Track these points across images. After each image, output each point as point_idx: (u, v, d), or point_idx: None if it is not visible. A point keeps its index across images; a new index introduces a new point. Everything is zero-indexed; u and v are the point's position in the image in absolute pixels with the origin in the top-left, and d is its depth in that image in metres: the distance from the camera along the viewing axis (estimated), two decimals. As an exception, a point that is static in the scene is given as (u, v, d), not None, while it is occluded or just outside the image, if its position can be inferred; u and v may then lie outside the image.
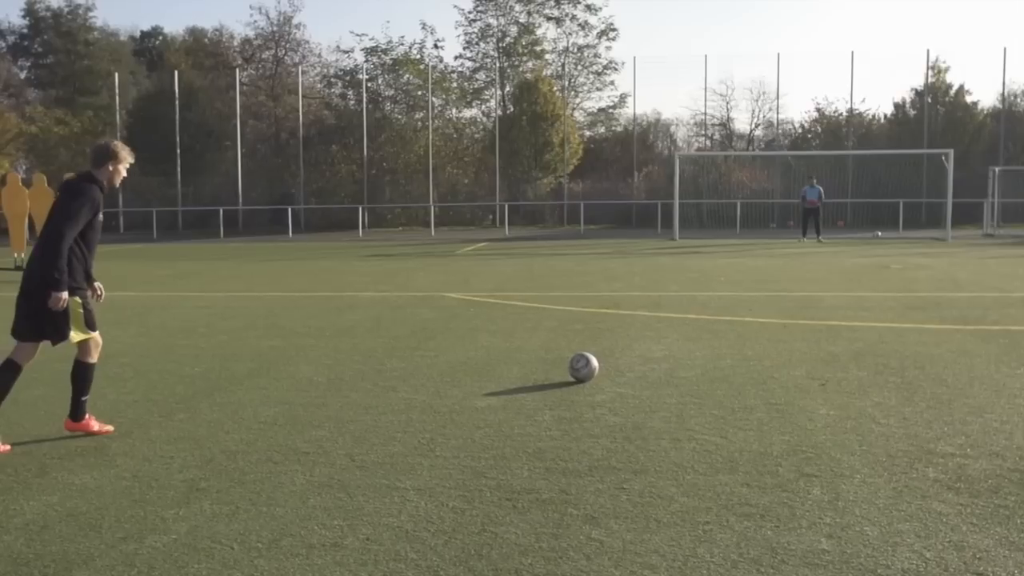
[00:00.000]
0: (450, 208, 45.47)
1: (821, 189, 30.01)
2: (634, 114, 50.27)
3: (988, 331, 9.90)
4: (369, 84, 47.61)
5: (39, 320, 5.73)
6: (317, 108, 50.05)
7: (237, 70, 47.47)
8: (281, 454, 5.48)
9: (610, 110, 52.87)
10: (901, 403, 6.55)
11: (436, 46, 51.65)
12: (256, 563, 3.88)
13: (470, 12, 51.53)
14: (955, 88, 44.45)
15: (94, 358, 6.09)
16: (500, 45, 51.35)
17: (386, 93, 49.25)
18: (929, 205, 38.92)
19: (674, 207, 33.02)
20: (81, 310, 5.85)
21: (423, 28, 65.42)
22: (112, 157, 5.97)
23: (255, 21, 67.29)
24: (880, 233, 32.59)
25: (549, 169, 45.77)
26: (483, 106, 51.65)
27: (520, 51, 51.43)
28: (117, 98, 46.76)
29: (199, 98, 46.20)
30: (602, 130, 53.56)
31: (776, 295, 13.69)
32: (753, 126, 53.09)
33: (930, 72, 44.24)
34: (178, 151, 44.46)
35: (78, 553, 4.02)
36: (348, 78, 49.17)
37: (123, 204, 44.44)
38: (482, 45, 51.72)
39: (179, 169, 44.63)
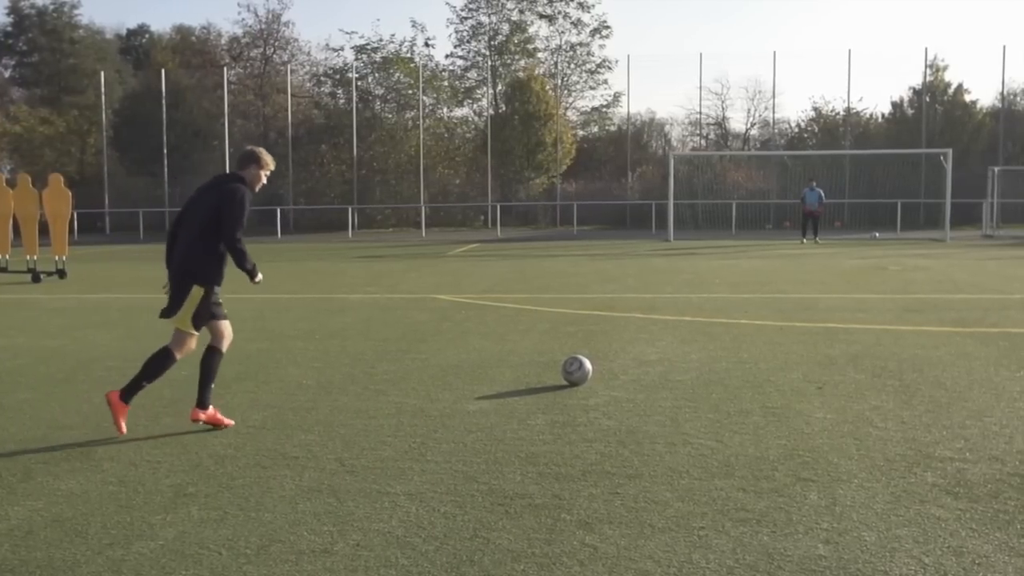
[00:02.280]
0: (441, 209, 45.43)
1: (821, 192, 30.00)
2: (628, 113, 50.34)
3: (987, 333, 9.87)
4: (359, 83, 47.54)
5: (174, 299, 6.05)
6: (306, 107, 49.98)
7: (225, 69, 47.38)
8: (270, 459, 5.42)
9: (603, 109, 52.92)
10: (899, 407, 6.51)
11: (427, 44, 51.50)
12: (245, 569, 3.83)
13: (461, 10, 51.58)
14: (954, 87, 44.58)
15: (224, 346, 6.27)
16: (492, 43, 51.34)
17: (376, 92, 49.21)
18: (927, 205, 38.99)
19: (668, 208, 33.02)
20: (199, 300, 6.03)
21: (414, 26, 65.37)
22: (256, 161, 6.27)
23: (243, 19, 67.23)
24: (878, 234, 32.63)
25: (542, 169, 45.77)
26: (475, 105, 51.69)
27: (512, 49, 51.41)
28: (103, 97, 46.57)
29: (186, 97, 46.09)
30: (595, 129, 53.60)
31: (772, 297, 13.67)
32: (749, 125, 53.26)
33: (928, 71, 44.36)
34: (165, 151, 44.33)
35: (63, 559, 3.96)
36: (338, 77, 49.11)
37: (109, 205, 44.30)
38: (473, 43, 51.76)
39: (166, 169, 44.49)
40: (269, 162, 6.38)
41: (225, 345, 6.29)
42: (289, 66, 49.05)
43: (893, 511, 4.39)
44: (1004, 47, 43.34)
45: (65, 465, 5.34)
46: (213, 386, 6.23)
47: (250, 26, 51.36)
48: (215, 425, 6.17)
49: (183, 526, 4.33)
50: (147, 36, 62.39)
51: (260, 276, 6.30)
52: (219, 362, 6.25)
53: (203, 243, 6.06)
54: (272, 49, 51.41)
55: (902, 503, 4.50)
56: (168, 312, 6.11)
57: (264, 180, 6.41)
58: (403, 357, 8.77)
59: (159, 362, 6.15)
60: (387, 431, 6.00)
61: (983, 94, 58.88)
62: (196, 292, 6.03)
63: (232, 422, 6.26)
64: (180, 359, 6.22)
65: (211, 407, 6.19)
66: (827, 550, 3.94)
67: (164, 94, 44.53)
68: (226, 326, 6.30)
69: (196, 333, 6.14)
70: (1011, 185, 36.62)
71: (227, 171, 6.36)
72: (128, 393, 6.08)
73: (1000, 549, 3.93)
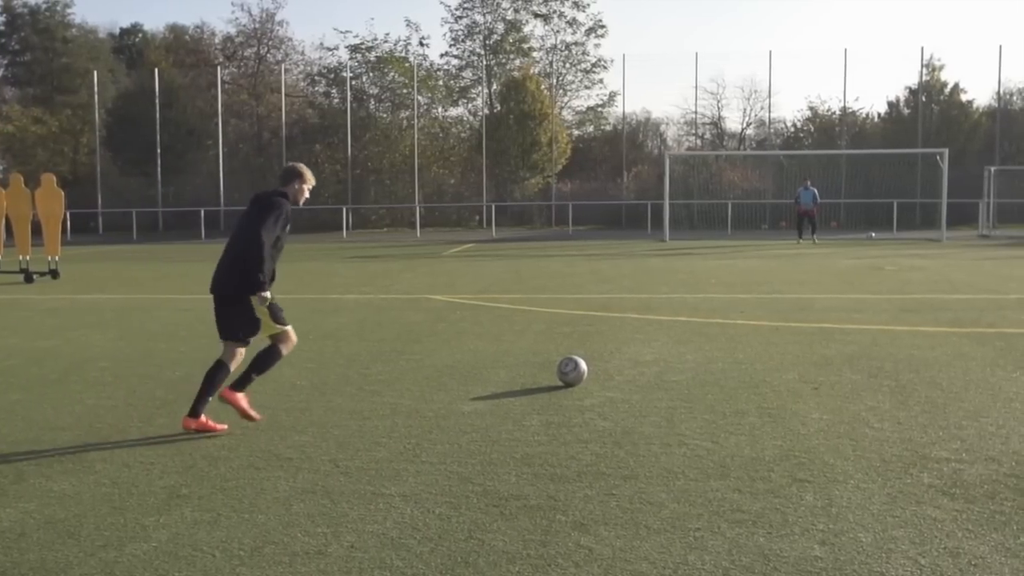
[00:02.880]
0: (436, 209, 45.40)
1: (816, 191, 29.94)
2: (623, 113, 50.40)
3: (983, 334, 9.87)
4: (353, 82, 47.47)
5: (234, 322, 6.22)
6: (300, 107, 49.92)
7: (218, 68, 47.33)
8: (264, 460, 5.40)
9: (599, 109, 52.89)
10: (895, 407, 6.50)
11: (421, 43, 51.50)
12: (238, 571, 3.82)
13: (456, 9, 51.52)
14: (950, 86, 44.52)
15: (287, 350, 6.39)
16: (487, 42, 51.30)
17: (371, 91, 49.14)
18: (924, 205, 38.96)
19: (664, 207, 33.00)
20: (266, 308, 6.15)
21: (408, 25, 65.56)
22: (299, 176, 6.45)
23: (237, 18, 67.32)
24: (874, 234, 32.62)
25: (537, 169, 45.72)
26: (470, 105, 51.63)
27: (507, 48, 51.39)
28: (96, 96, 46.43)
29: (180, 97, 45.97)
30: (590, 129, 53.57)
31: (768, 297, 13.67)
32: (744, 125, 53.29)
33: (924, 70, 44.33)
34: (158, 151, 44.22)
35: (56, 561, 3.94)
36: (332, 76, 49.04)
37: (102, 205, 44.19)
38: (468, 42, 51.70)
39: (159, 169, 44.38)
40: (311, 177, 6.54)
41: (234, 366, 6.31)
42: (283, 65, 49.03)
43: (889, 512, 4.38)
44: (1000, 47, 43.31)
45: (58, 467, 5.32)
46: (210, 400, 6.15)
47: (244, 25, 51.38)
48: (207, 431, 6.08)
49: (176, 528, 4.31)
50: (140, 35, 62.31)
51: (267, 295, 6.11)
52: (224, 378, 6.21)
53: (250, 256, 6.09)
54: (266, 48, 51.36)
55: (898, 504, 4.49)
56: (253, 331, 6.27)
57: (307, 195, 6.54)
58: (398, 358, 8.74)
59: (267, 357, 6.33)
60: (381, 432, 5.98)
61: (979, 94, 59.00)
62: (257, 303, 6.13)
63: (225, 427, 6.16)
64: (287, 353, 6.41)
65: (205, 419, 6.11)
66: (823, 551, 3.93)
67: (157, 93, 44.41)
68: (241, 352, 6.33)
69: (288, 326, 6.32)
70: (1007, 185, 36.65)
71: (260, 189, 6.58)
72: (240, 383, 6.21)
73: (996, 550, 3.92)
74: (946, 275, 17.22)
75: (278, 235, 6.16)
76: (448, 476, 5.03)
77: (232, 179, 45.87)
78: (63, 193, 19.83)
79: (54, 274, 18.73)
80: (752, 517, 4.33)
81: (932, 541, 4.03)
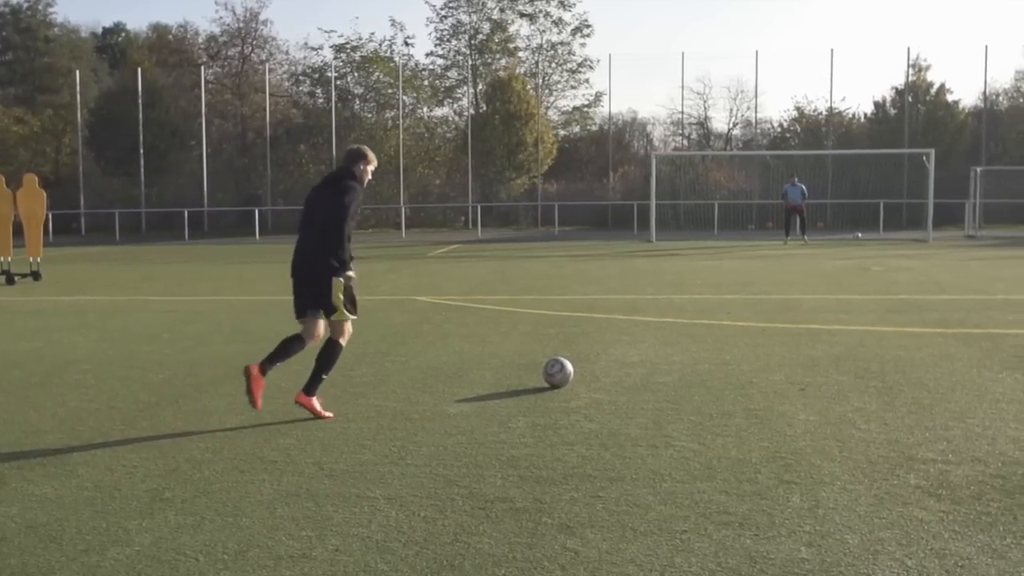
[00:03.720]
0: (421, 209, 45.32)
1: (804, 188, 29.91)
2: (609, 113, 50.41)
3: (970, 334, 9.90)
4: (338, 82, 47.36)
5: (316, 299, 6.47)
6: (284, 107, 49.77)
7: (202, 68, 47.11)
8: (248, 463, 5.36)
9: (585, 109, 52.92)
10: (882, 408, 6.51)
11: (406, 43, 51.36)
12: (222, 575, 3.79)
13: (441, 8, 51.43)
14: (936, 87, 44.67)
15: (344, 341, 6.60)
16: (472, 42, 51.26)
17: (355, 91, 49.05)
18: (910, 206, 39.08)
19: (650, 208, 33.02)
20: (342, 290, 6.42)
21: (393, 25, 65.47)
22: (363, 157, 6.62)
23: (221, 17, 66.73)
24: (860, 234, 32.71)
25: (523, 169, 45.69)
26: (455, 105, 51.59)
27: (493, 48, 51.34)
28: (78, 96, 46.15)
29: (163, 96, 45.71)
30: (577, 129, 53.61)
31: (755, 298, 13.68)
32: (731, 125, 53.42)
33: (911, 70, 44.49)
34: (141, 151, 43.96)
35: (38, 566, 3.91)
36: (316, 76, 48.91)
37: (84, 206, 43.95)
38: (454, 42, 51.64)
39: (142, 169, 44.14)
40: (373, 158, 6.72)
41: (312, 343, 6.63)
42: (267, 65, 48.83)
43: (876, 513, 4.38)
44: (986, 47, 43.51)
45: (40, 470, 5.27)
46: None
47: (228, 24, 51.10)
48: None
49: (159, 532, 4.28)
50: (123, 34, 61.99)
51: (352, 274, 6.46)
52: (298, 350, 6.56)
53: (326, 239, 6.38)
54: (250, 48, 51.14)
55: (885, 505, 4.49)
56: (329, 312, 6.50)
57: (370, 176, 6.72)
58: (383, 359, 8.71)
59: (329, 353, 6.53)
60: (366, 434, 5.95)
61: (965, 94, 59.23)
62: (337, 284, 6.38)
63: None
64: (345, 345, 6.63)
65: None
66: (810, 553, 3.92)
67: (140, 93, 44.16)
68: (321, 328, 6.62)
69: (354, 318, 6.58)
70: (993, 185, 36.80)
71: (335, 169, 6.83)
72: (311, 387, 6.45)
73: (983, 551, 3.93)
74: (932, 276, 17.28)
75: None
76: (433, 479, 5.00)
77: (216, 179, 45.70)
78: (45, 194, 19.70)
79: (36, 276, 18.60)
80: (739, 519, 4.33)
81: (919, 542, 4.03)
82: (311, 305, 6.55)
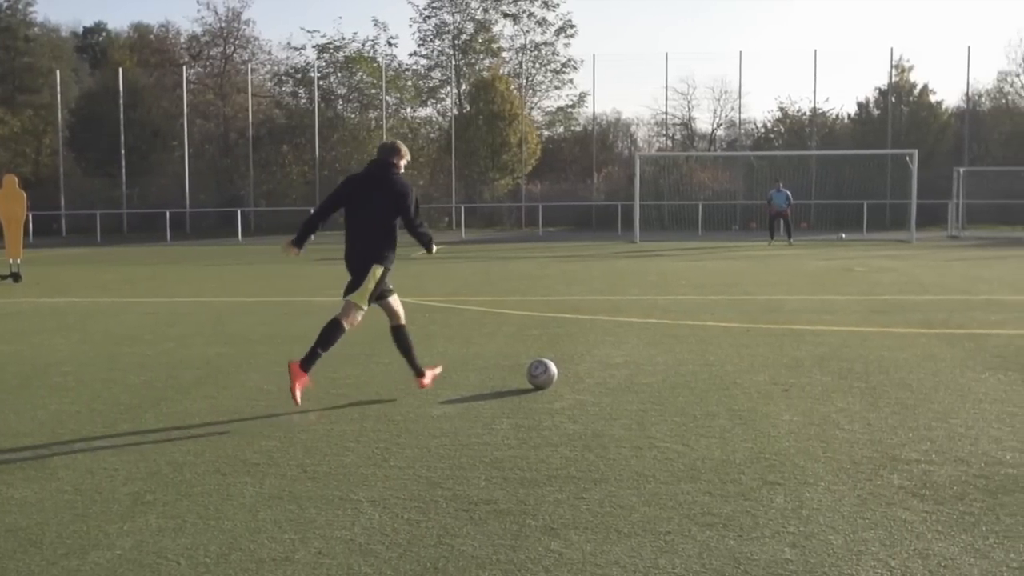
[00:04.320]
0: (405, 210, 45.17)
1: (788, 193, 29.99)
2: (593, 113, 50.43)
3: (953, 334, 9.94)
4: (321, 82, 47.27)
5: (357, 279, 6.89)
6: (267, 107, 49.64)
7: (184, 68, 46.94)
8: (230, 465, 5.33)
9: (569, 109, 52.95)
10: (865, 409, 6.53)
11: (389, 43, 51.27)
12: (204, 580, 3.75)
13: (424, 8, 51.37)
14: (919, 87, 44.94)
15: (349, 326, 6.92)
16: (456, 42, 51.22)
17: (338, 91, 48.98)
18: (893, 206, 39.31)
19: (634, 209, 33.07)
20: (378, 278, 6.88)
21: (376, 25, 65.41)
22: (397, 152, 7.08)
23: (202, 17, 66.83)
24: (844, 235, 32.83)
25: (506, 170, 45.72)
26: (438, 105, 51.58)
27: (476, 48, 51.32)
28: (59, 96, 45.90)
29: (144, 97, 45.56)
30: (561, 130, 53.66)
31: (739, 299, 13.70)
32: (715, 126, 53.53)
33: (894, 71, 44.69)
34: (122, 151, 43.80)
35: (17, 570, 3.87)
36: (299, 76, 48.84)
37: (65, 207, 43.69)
38: (437, 42, 51.60)
39: (124, 170, 43.97)
40: (406, 152, 7.18)
41: (403, 317, 7.17)
42: (250, 65, 48.71)
43: (859, 514, 4.39)
44: (969, 48, 43.75)
45: (19, 473, 5.22)
46: (415, 353, 7.12)
47: (210, 24, 51.02)
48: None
49: (141, 535, 4.24)
50: (104, 34, 61.64)
51: (435, 247, 7.37)
52: (407, 332, 7.14)
53: (383, 231, 6.88)
54: (232, 48, 51.04)
55: (868, 506, 4.50)
56: (350, 290, 6.92)
57: (403, 169, 7.14)
58: (367, 361, 8.68)
59: (330, 332, 6.81)
60: (350, 436, 5.93)
61: (948, 95, 59.65)
62: (376, 271, 6.82)
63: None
64: (348, 330, 6.87)
65: (426, 370, 7.13)
66: (793, 553, 3.92)
67: (122, 93, 43.99)
68: (396, 301, 7.17)
69: (366, 308, 6.91)
70: (976, 186, 37.02)
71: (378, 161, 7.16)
72: (307, 363, 6.65)
73: (966, 551, 3.93)
74: (916, 276, 17.36)
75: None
76: (417, 481, 4.98)
77: (198, 180, 45.55)
78: (25, 195, 19.55)
79: (16, 277, 18.46)
80: (723, 520, 4.33)
81: (902, 543, 4.03)
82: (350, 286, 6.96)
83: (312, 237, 7.38)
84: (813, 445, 5.57)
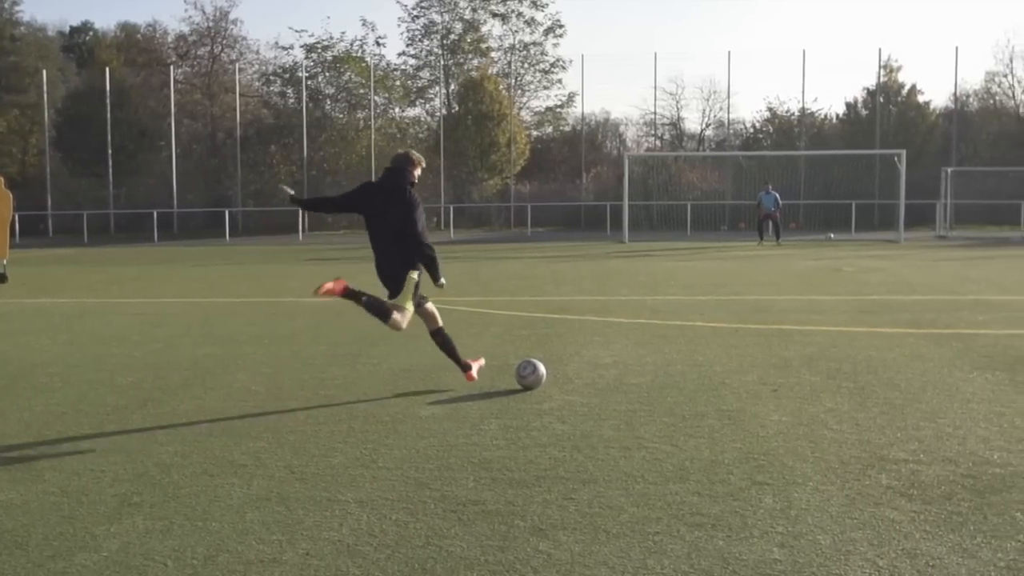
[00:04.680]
0: (393, 210, 45.08)
1: (777, 195, 29.97)
2: (582, 113, 50.47)
3: (941, 334, 9.96)
4: (309, 82, 47.17)
5: (394, 287, 7.20)
6: (255, 107, 49.49)
7: (171, 67, 46.77)
8: (217, 467, 5.31)
9: (557, 109, 52.92)
10: (854, 409, 6.53)
11: (378, 43, 51.20)
12: (191, 582, 3.74)
13: (413, 8, 51.29)
14: (907, 88, 45.03)
15: (439, 322, 7.42)
16: (444, 42, 51.18)
17: (327, 91, 48.87)
18: (882, 206, 39.39)
19: (623, 209, 33.08)
20: (413, 283, 7.17)
21: (364, 24, 65.31)
22: (411, 161, 7.31)
23: (190, 16, 66.12)
24: (832, 235, 32.89)
25: (495, 170, 45.69)
26: (427, 105, 51.53)
27: (465, 48, 51.29)
28: (45, 96, 45.67)
29: (131, 96, 45.36)
30: (549, 130, 53.61)
31: (727, 299, 13.71)
32: (704, 126, 53.55)
33: (882, 71, 44.79)
34: (110, 151, 43.60)
35: (3, 573, 3.85)
36: (287, 76, 48.69)
37: (51, 207, 43.49)
38: (426, 42, 51.55)
39: (111, 170, 43.78)
40: (420, 159, 7.42)
41: (439, 320, 7.42)
42: (237, 65, 48.55)
43: (848, 514, 4.39)
44: (957, 48, 43.90)
45: (5, 475, 5.19)
46: (457, 350, 7.41)
47: (197, 24, 50.81)
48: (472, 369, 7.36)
49: (127, 537, 4.22)
50: (91, 34, 61.27)
51: (443, 280, 7.35)
52: (446, 334, 7.40)
53: (403, 239, 7.11)
54: (220, 47, 50.85)
55: (856, 506, 4.50)
56: (392, 295, 7.21)
57: (416, 178, 7.38)
58: (354, 362, 8.66)
59: (379, 305, 7.10)
60: (337, 437, 5.91)
61: (936, 95, 59.75)
62: (412, 276, 7.15)
63: (482, 360, 7.65)
64: (401, 328, 7.19)
65: (470, 362, 7.45)
66: (782, 554, 3.92)
67: (108, 93, 43.79)
68: (430, 306, 7.40)
69: (411, 309, 7.19)
70: (964, 186, 37.12)
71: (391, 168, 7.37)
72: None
73: (953, 551, 3.94)
74: (904, 276, 17.40)
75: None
76: (405, 482, 4.97)
77: (185, 180, 45.40)
78: (11, 195, 19.46)
79: (2, 278, 18.37)
80: (711, 520, 4.32)
81: (890, 542, 4.04)
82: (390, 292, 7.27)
83: (303, 210, 7.60)
84: (802, 445, 5.57)
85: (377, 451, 5.58)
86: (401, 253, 7.14)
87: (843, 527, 4.22)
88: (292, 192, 7.64)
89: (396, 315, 7.04)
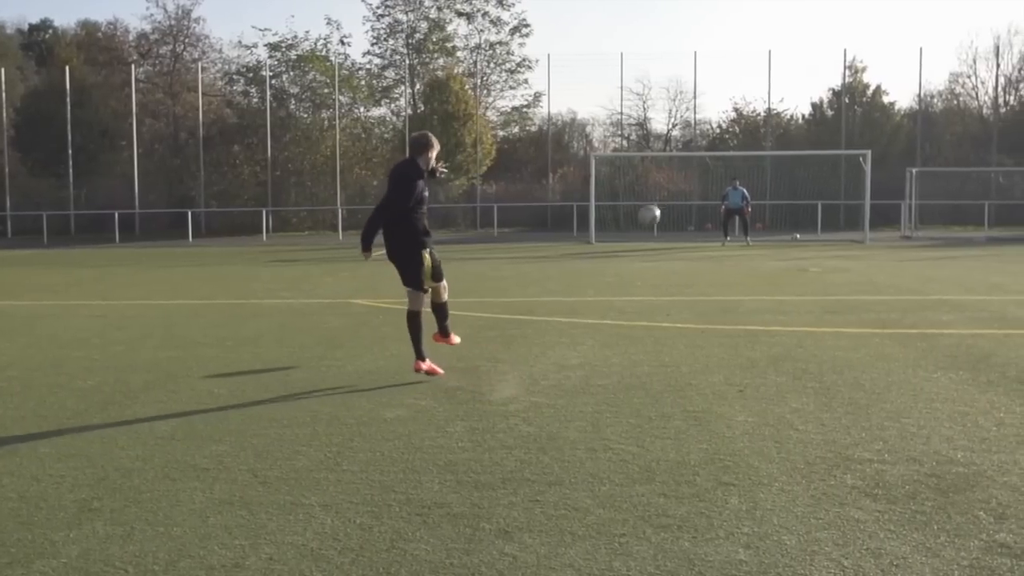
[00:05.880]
0: (358, 211, 44.81)
1: (745, 191, 29.87)
2: (548, 113, 50.29)
3: (906, 334, 10.05)
4: (273, 81, 46.79)
5: (406, 272, 7.79)
6: (218, 106, 49.00)
7: (133, 66, 46.16)
8: (179, 471, 5.24)
9: (524, 109, 52.65)
10: (819, 409, 6.57)
11: (343, 42, 50.83)
12: (152, 589, 3.69)
13: (378, 7, 50.85)
14: (872, 88, 45.36)
15: (445, 297, 8.12)
16: (410, 41, 50.93)
17: (291, 91, 48.46)
18: (847, 207, 39.69)
19: (590, 209, 33.10)
20: (431, 263, 7.77)
21: (329, 23, 64.73)
22: (426, 146, 7.80)
23: (151, 14, 64.92)
24: (799, 235, 33.09)
25: (461, 170, 45.53)
26: (392, 105, 51.17)
27: (431, 48, 51.06)
28: (3, 95, 44.97)
29: (92, 95, 44.73)
30: (516, 130, 53.39)
31: (694, 299, 13.77)
32: (670, 126, 53.51)
33: (847, 72, 45.15)
34: (70, 151, 43.01)
35: (-42, 582, 3.77)
36: (251, 75, 48.19)
37: (11, 208, 42.88)
38: (391, 41, 51.19)
39: (71, 171, 43.19)
40: (436, 144, 7.90)
41: (420, 306, 7.84)
42: (200, 64, 48.05)
43: (813, 514, 4.41)
44: (921, 49, 44.33)
45: (-40, 481, 5.10)
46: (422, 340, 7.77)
47: (159, 22, 50.10)
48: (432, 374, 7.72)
49: (87, 543, 4.16)
50: (50, 31, 60.54)
51: (371, 254, 7.84)
52: (421, 323, 7.78)
53: (405, 221, 7.65)
54: (182, 46, 50.23)
55: (822, 506, 4.52)
56: (412, 281, 7.79)
57: (434, 161, 7.93)
58: (319, 364, 8.60)
59: (441, 309, 8.14)
60: (301, 440, 5.85)
61: (901, 96, 60.24)
62: (425, 257, 7.72)
63: (441, 372, 7.80)
64: (447, 298, 8.17)
65: (428, 364, 7.73)
66: (748, 555, 3.93)
67: (69, 92, 43.18)
68: (422, 297, 7.87)
69: (443, 281, 8.03)
70: (928, 187, 37.44)
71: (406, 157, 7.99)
72: (443, 331, 8.27)
73: (917, 550, 3.97)
74: (869, 276, 17.55)
75: (419, 196, 7.64)
76: (370, 485, 4.93)
77: (147, 180, 44.87)
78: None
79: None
80: (677, 522, 4.32)
81: (855, 542, 4.06)
82: (409, 278, 7.86)
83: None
84: (767, 446, 5.59)
85: (341, 454, 5.54)
86: (404, 234, 7.66)
87: (808, 527, 4.24)
88: (372, 255, 8.00)
89: (440, 298, 8.05)
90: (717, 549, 3.99)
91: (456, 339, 8.37)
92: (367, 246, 7.79)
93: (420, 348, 7.70)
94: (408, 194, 7.56)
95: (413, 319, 7.73)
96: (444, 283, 8.02)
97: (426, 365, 7.70)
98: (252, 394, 7.28)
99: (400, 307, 12.99)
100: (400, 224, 7.67)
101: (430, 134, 7.94)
